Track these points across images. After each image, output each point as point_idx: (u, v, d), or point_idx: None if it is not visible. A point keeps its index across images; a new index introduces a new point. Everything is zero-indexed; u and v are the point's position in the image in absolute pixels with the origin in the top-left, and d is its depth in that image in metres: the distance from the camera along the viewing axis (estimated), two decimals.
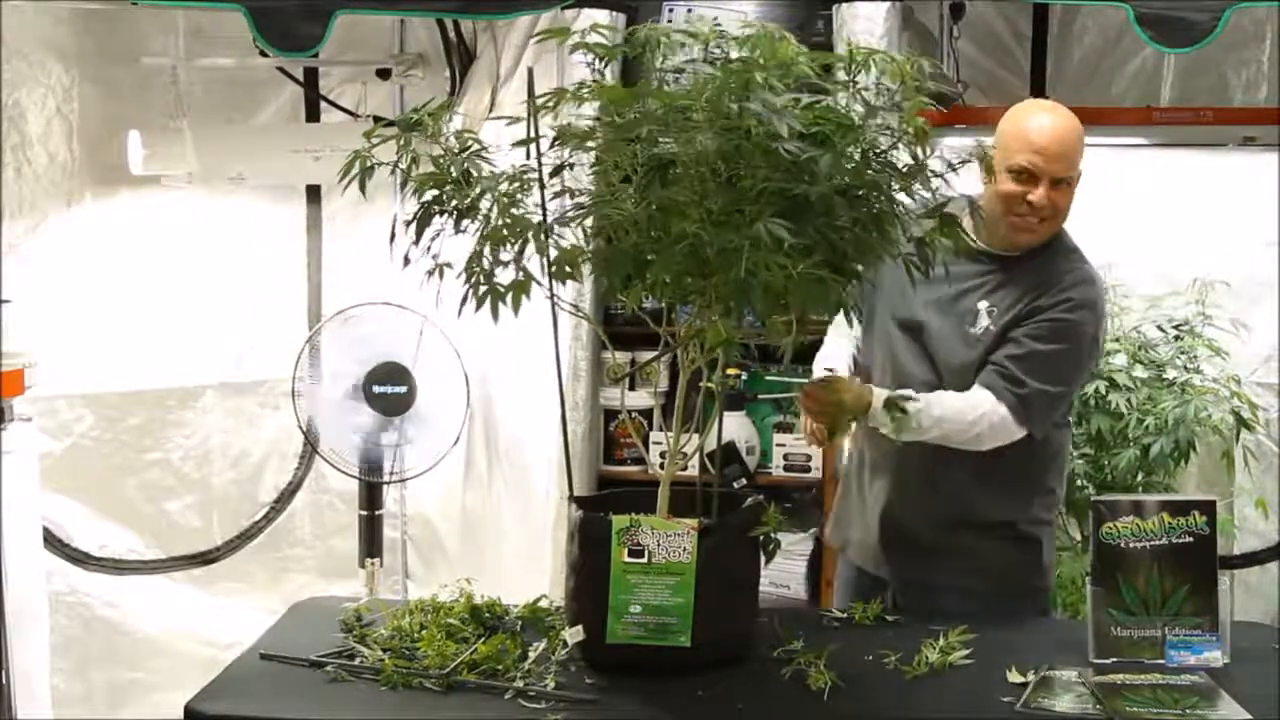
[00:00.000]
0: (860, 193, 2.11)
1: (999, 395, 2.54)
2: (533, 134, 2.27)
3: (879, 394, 2.55)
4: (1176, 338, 3.50)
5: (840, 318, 2.90)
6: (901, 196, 2.18)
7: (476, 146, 2.27)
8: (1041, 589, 2.73)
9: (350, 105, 3.76)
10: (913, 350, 2.67)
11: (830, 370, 2.73)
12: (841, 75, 2.20)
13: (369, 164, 2.21)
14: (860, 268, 2.15)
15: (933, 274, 2.57)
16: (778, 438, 3.73)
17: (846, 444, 2.98)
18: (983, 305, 2.62)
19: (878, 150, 2.16)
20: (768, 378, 3.78)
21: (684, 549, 2.20)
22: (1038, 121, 2.58)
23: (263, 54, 3.47)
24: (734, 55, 2.12)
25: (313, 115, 3.74)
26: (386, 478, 3.44)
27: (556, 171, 2.28)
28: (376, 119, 3.65)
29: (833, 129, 2.10)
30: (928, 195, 2.20)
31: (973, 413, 2.54)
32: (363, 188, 2.21)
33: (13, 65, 3.34)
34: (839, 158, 2.06)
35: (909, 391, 2.56)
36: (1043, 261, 2.64)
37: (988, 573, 2.65)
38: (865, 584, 2.79)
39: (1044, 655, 2.31)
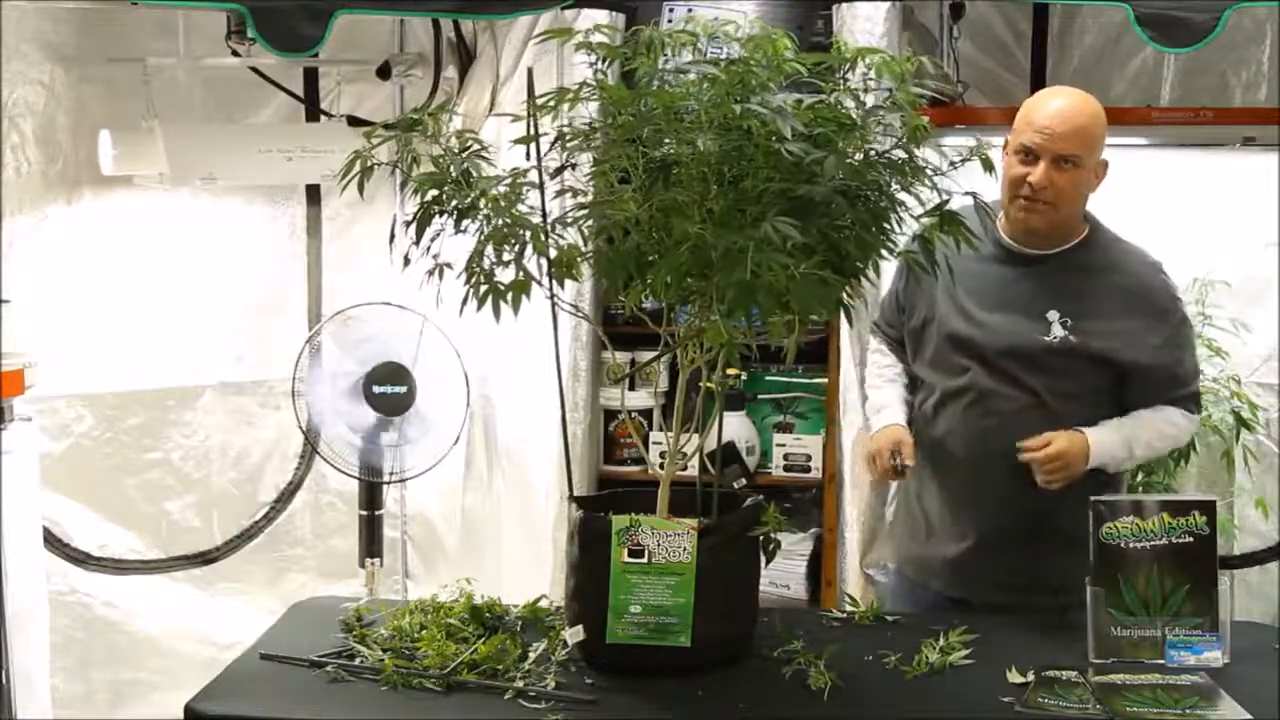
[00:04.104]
0: (861, 192, 2.11)
1: (1182, 406, 2.65)
2: (533, 134, 2.27)
3: (1092, 435, 2.56)
4: None
5: (877, 363, 2.93)
6: (903, 195, 2.18)
7: (476, 146, 2.27)
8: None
9: (348, 106, 3.75)
10: (987, 367, 2.64)
11: (892, 423, 2.74)
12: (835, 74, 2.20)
13: (369, 164, 2.21)
14: (860, 267, 2.15)
15: (979, 283, 2.59)
16: (778, 438, 3.73)
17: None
18: (1053, 315, 2.60)
19: (878, 150, 2.15)
20: (768, 378, 3.78)
21: (684, 549, 2.20)
22: (1046, 101, 2.61)
23: (234, 53, 3.48)
24: (734, 55, 2.12)
25: (312, 116, 3.73)
26: (386, 478, 3.44)
27: (557, 173, 2.28)
28: (352, 120, 3.66)
29: (834, 129, 2.10)
30: (929, 193, 2.19)
31: (1173, 429, 2.66)
32: (361, 189, 2.20)
33: (12, 65, 3.34)
34: (842, 157, 2.06)
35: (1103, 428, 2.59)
36: (1088, 261, 2.64)
37: (1065, 587, 2.55)
38: (940, 604, 2.75)
39: (1044, 655, 2.31)
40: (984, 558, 2.68)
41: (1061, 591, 2.54)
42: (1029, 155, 2.57)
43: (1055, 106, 2.58)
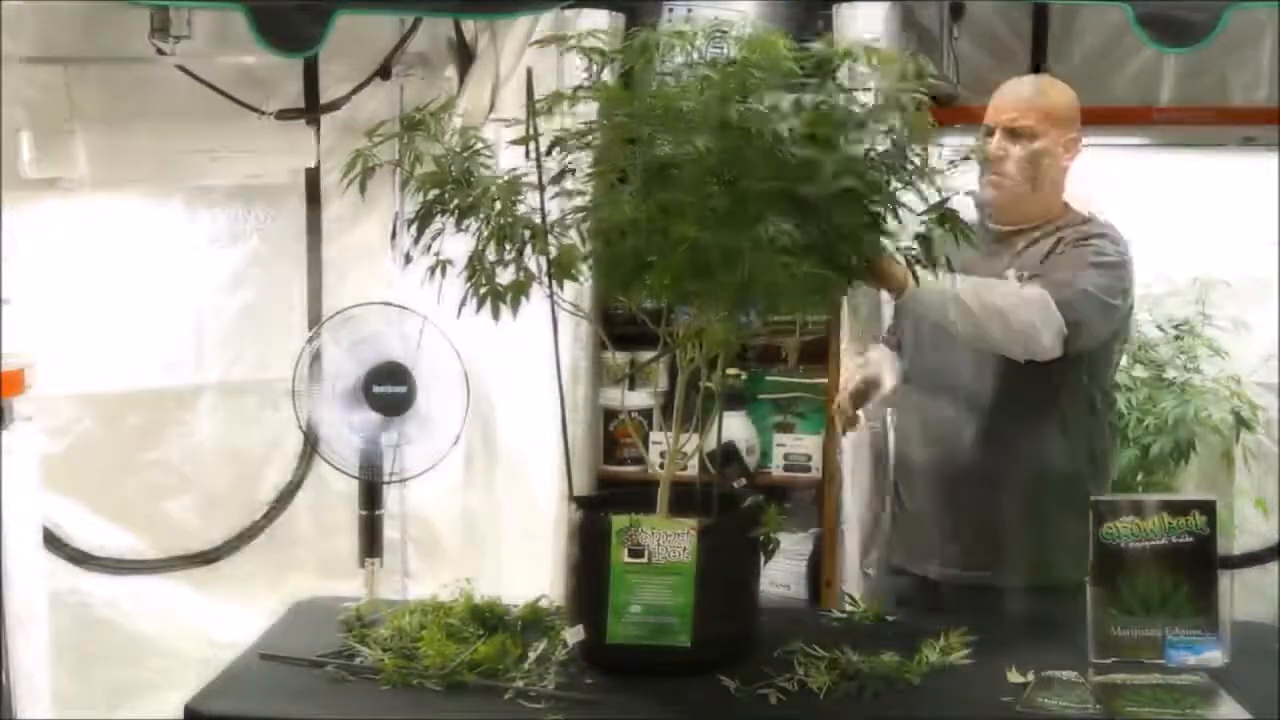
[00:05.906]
0: (861, 193, 2.11)
1: (1046, 288, 2.53)
2: (532, 134, 2.27)
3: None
4: (1176, 338, 3.51)
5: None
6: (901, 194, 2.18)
7: (479, 146, 2.27)
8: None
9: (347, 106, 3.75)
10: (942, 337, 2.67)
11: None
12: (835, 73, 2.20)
13: (369, 165, 2.21)
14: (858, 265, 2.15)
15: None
16: (778, 438, 3.73)
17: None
18: (1010, 273, 2.64)
19: (876, 150, 2.15)
20: (768, 378, 3.78)
21: (684, 549, 2.20)
22: (1006, 83, 2.76)
23: (159, 51, 3.41)
24: (732, 55, 2.12)
25: (311, 116, 3.72)
26: (386, 478, 3.43)
27: (556, 179, 2.28)
28: (282, 112, 3.60)
29: (831, 127, 2.10)
30: (929, 192, 2.19)
31: (1016, 295, 2.52)
32: (363, 188, 2.21)
33: (12, 64, 3.33)
34: (842, 158, 2.06)
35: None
36: (1054, 230, 2.69)
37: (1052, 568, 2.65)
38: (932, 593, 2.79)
39: (1044, 655, 2.31)
40: (987, 540, 2.71)
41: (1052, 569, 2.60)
42: (989, 133, 2.70)
43: (1005, 86, 2.76)
